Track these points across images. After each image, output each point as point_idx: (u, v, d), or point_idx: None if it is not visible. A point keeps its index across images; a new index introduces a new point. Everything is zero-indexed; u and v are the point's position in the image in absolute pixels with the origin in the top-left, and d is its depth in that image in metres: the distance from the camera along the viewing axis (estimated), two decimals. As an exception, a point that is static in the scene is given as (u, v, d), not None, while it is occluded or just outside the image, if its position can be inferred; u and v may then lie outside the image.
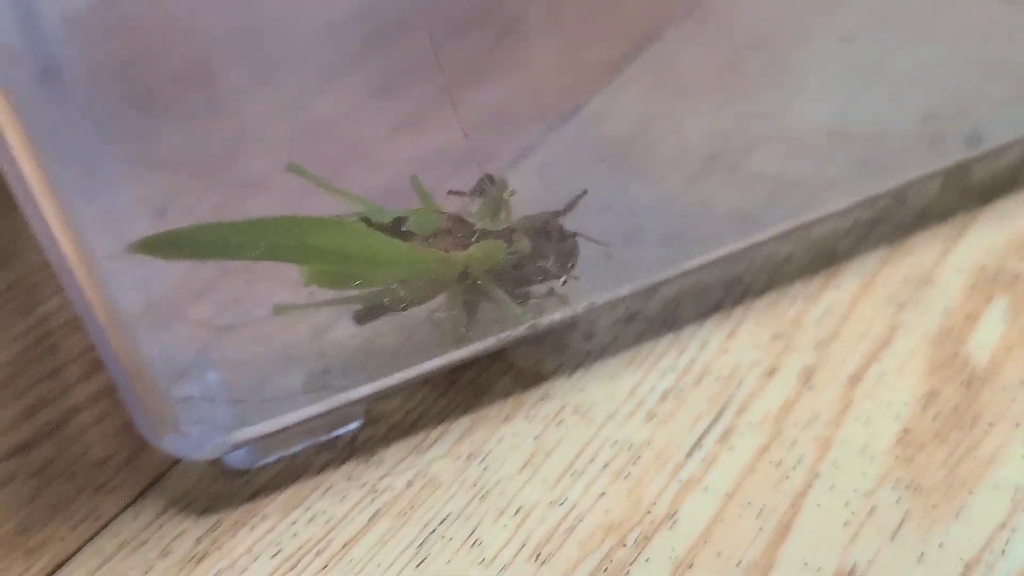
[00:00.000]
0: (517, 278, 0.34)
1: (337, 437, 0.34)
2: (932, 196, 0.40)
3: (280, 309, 0.33)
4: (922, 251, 0.38)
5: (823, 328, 0.36)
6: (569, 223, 0.34)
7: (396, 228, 0.32)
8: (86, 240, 0.30)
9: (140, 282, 0.34)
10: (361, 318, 0.33)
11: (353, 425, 0.34)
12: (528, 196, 0.35)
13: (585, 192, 0.34)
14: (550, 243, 0.33)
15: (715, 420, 0.33)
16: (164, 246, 0.31)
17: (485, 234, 0.33)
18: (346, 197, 0.34)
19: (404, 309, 0.33)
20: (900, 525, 0.30)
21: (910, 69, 0.41)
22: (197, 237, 0.32)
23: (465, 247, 0.33)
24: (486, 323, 0.34)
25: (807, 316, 0.36)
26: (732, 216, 0.38)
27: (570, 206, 0.33)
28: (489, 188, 0.34)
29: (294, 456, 0.34)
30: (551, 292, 0.34)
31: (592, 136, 0.43)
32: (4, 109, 0.28)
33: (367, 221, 0.32)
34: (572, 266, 0.34)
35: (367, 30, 0.45)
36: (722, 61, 0.45)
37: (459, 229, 0.33)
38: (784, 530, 0.30)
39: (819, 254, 0.38)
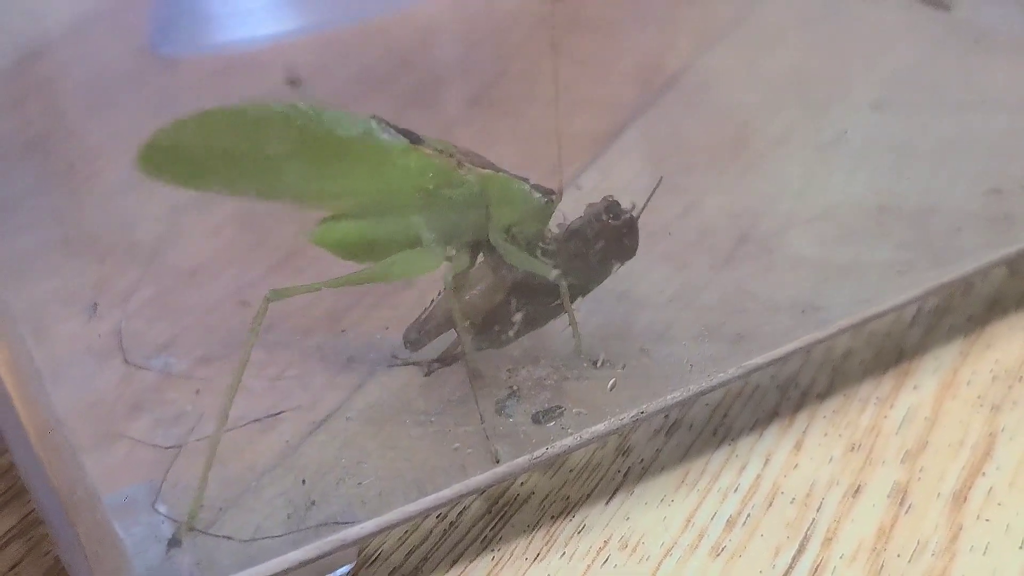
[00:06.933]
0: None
1: (324, 586, 0.27)
2: (1001, 281, 0.34)
3: (276, 293, 0.27)
4: (1004, 344, 0.32)
5: (907, 436, 0.30)
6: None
7: (407, 132, 0.27)
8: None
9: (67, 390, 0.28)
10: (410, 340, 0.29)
11: (343, 570, 0.27)
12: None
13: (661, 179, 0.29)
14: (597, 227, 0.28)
15: (799, 553, 0.27)
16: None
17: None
18: None
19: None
20: None
21: (965, 138, 0.36)
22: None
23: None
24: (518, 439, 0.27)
25: (885, 422, 0.30)
26: (779, 308, 0.32)
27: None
28: None
29: (268, 612, 0.27)
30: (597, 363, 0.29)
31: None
32: None
33: (377, 118, 0.27)
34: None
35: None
36: (729, 131, 0.40)
37: (479, 159, 0.28)
38: None
39: (884, 349, 0.32)
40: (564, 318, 0.29)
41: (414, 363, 0.30)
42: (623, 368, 0.29)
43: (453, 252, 0.28)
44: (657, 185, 0.29)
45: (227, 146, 0.27)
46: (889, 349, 0.32)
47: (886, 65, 0.41)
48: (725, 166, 0.38)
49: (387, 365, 0.29)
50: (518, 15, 0.44)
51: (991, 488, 0.28)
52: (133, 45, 0.41)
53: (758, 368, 0.30)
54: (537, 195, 0.28)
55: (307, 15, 0.44)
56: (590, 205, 0.29)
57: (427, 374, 0.29)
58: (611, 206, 0.28)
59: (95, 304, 0.30)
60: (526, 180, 0.28)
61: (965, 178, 0.35)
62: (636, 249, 0.29)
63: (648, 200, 0.29)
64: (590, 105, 0.40)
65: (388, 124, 0.27)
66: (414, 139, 0.27)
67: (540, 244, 0.28)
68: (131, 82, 0.40)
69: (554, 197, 0.28)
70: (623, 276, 0.31)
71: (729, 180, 0.37)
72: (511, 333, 0.29)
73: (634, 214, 0.29)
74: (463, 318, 0.28)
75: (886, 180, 0.36)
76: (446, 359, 0.29)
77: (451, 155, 0.27)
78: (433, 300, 0.29)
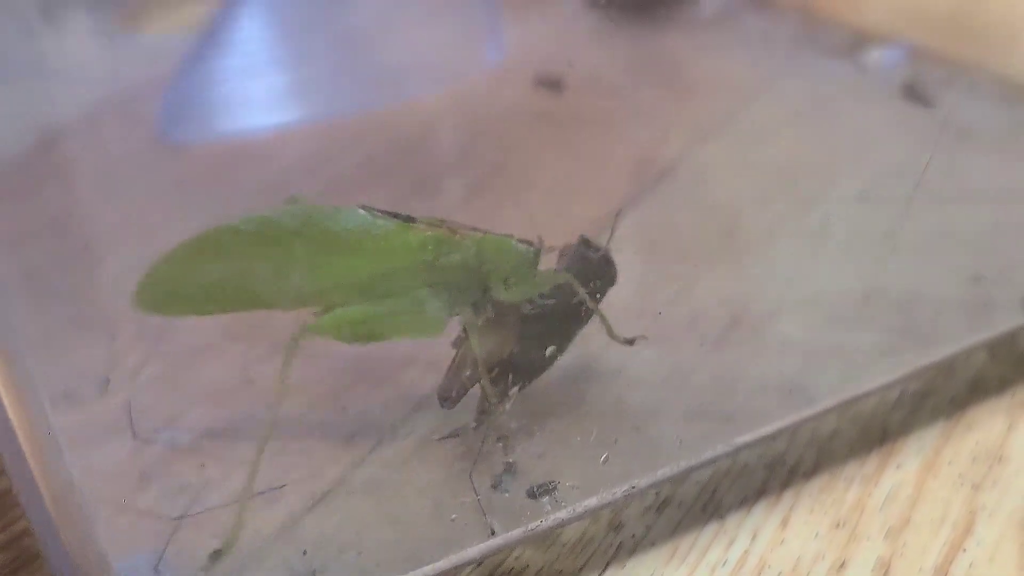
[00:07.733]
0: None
1: (322, 657, 0.28)
2: (982, 365, 0.35)
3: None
4: (985, 426, 0.33)
5: (890, 514, 0.31)
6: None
7: (395, 213, 0.29)
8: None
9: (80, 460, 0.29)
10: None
11: (341, 641, 0.28)
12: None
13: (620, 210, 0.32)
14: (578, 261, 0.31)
15: (785, 625, 0.28)
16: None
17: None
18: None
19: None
20: None
21: (947, 228, 0.38)
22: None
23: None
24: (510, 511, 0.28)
25: (869, 500, 0.31)
26: (767, 389, 0.33)
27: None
28: None
29: None
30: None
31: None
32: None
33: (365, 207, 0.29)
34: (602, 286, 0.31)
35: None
36: (721, 220, 0.41)
37: (463, 226, 0.30)
38: None
39: (869, 429, 0.33)
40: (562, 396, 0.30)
41: (454, 436, 0.31)
42: (615, 443, 0.30)
43: (457, 314, 0.29)
44: (618, 216, 0.31)
45: (226, 266, 0.29)
46: (873, 429, 0.33)
47: (871, 159, 0.42)
48: (716, 254, 0.39)
49: (436, 439, 0.31)
50: (517, 108, 0.46)
51: (971, 563, 0.29)
52: (143, 132, 0.43)
53: (746, 446, 0.31)
54: (524, 246, 0.30)
55: (312, 105, 0.46)
56: (564, 247, 0.31)
57: (475, 428, 0.30)
58: (587, 241, 0.31)
59: (107, 378, 0.32)
60: (511, 236, 0.30)
61: (947, 266, 0.37)
62: (616, 277, 0.31)
63: (613, 231, 0.31)
64: (586, 194, 0.42)
65: (376, 210, 0.29)
66: (405, 218, 0.29)
67: (539, 287, 0.30)
68: (141, 167, 0.41)
69: (537, 247, 0.30)
70: (617, 355, 0.33)
71: (720, 267, 0.39)
72: (508, 405, 0.30)
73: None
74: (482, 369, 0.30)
75: (871, 267, 0.37)
76: (481, 418, 0.30)
77: (440, 225, 0.29)
78: (454, 359, 0.30)
